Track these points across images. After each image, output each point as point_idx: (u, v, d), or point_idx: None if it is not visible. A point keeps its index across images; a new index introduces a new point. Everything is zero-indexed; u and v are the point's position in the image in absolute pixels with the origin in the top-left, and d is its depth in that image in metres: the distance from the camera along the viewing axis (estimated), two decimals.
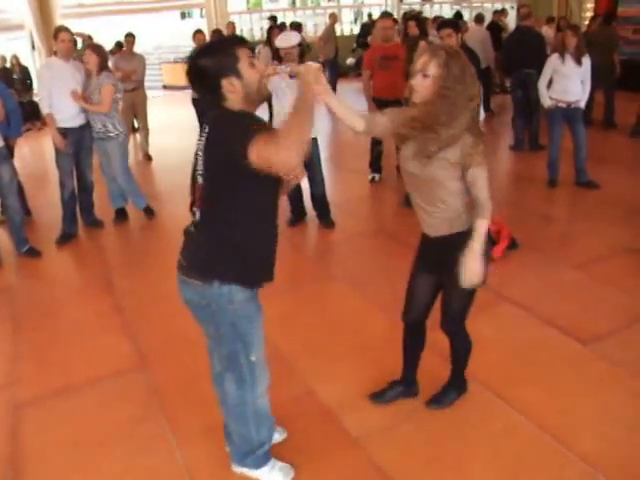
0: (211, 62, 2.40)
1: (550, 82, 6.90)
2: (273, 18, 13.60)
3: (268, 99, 6.22)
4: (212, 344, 2.84)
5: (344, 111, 2.94)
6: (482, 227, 2.83)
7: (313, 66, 2.59)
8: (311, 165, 6.02)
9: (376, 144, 7.55)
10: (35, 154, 10.92)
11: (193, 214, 2.59)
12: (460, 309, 3.18)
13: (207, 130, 2.43)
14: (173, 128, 11.65)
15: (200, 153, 2.46)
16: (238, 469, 3.02)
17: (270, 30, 9.32)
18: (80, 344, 4.40)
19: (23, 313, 4.92)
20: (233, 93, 2.42)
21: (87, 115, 6.21)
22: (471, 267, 2.84)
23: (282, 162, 2.23)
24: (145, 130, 9.67)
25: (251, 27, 21.29)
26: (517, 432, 3.26)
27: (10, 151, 6.08)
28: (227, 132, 2.34)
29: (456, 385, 3.50)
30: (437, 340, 3.40)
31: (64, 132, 6.06)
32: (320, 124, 6.37)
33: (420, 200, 2.97)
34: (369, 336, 4.25)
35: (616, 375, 3.70)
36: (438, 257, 3.06)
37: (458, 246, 2.85)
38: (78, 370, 4.07)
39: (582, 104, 6.85)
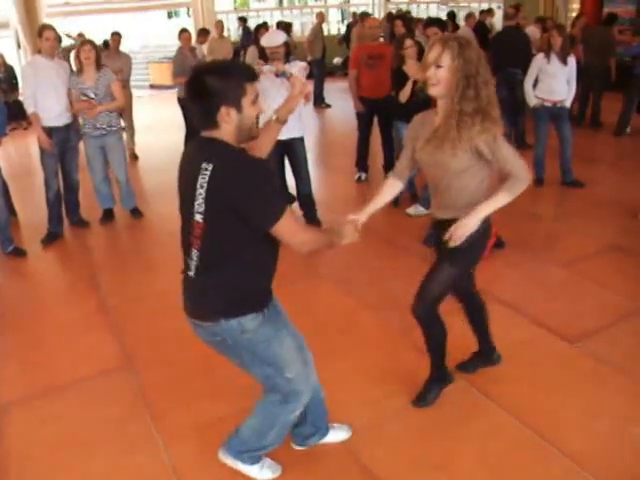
0: (219, 85, 2.33)
1: (536, 81, 6.93)
2: (243, 19, 13.49)
3: None
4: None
5: (380, 200, 3.19)
6: (501, 198, 2.88)
7: (350, 226, 2.75)
8: (297, 164, 6.01)
9: (363, 142, 7.55)
10: (20, 154, 10.85)
11: (189, 255, 2.51)
12: (435, 292, 3.13)
13: (213, 170, 2.31)
14: (159, 127, 11.60)
15: (201, 191, 2.34)
16: (227, 459, 2.97)
17: (257, 30, 9.33)
18: (66, 344, 4.38)
19: (8, 313, 4.88)
20: (227, 123, 2.36)
21: (72, 114, 6.19)
22: (465, 223, 2.83)
23: (296, 246, 2.43)
24: (131, 129, 9.62)
25: (238, 26, 21.26)
26: (503, 430, 3.27)
27: None
28: (251, 194, 2.29)
29: (438, 378, 3.46)
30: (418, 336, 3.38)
31: (49, 131, 6.01)
32: (306, 123, 6.37)
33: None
34: (357, 335, 4.25)
35: (602, 373, 3.71)
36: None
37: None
38: (64, 370, 4.04)
39: (568, 103, 6.89)
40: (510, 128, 8.94)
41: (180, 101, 8.79)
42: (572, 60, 6.71)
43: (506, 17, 9.06)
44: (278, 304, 2.77)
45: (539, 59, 6.87)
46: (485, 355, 3.68)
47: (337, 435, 3.20)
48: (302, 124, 6.02)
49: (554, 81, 6.78)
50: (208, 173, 2.31)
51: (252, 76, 2.44)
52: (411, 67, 6.10)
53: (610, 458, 3.05)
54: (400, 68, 6.13)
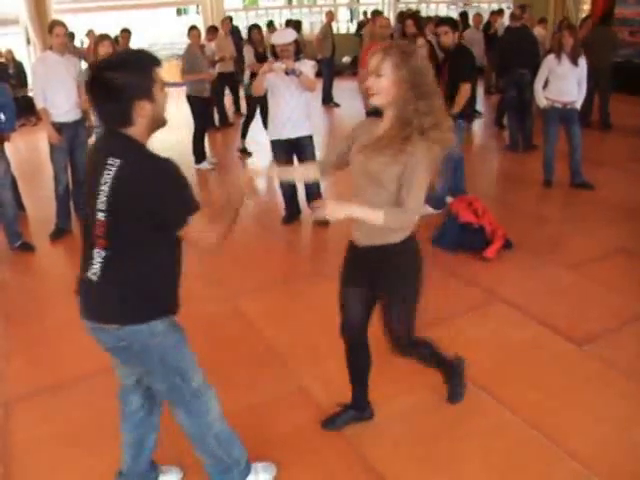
0: (127, 79, 2.18)
1: (546, 82, 6.91)
2: (229, 18, 13.42)
3: (263, 95, 6.24)
4: (138, 384, 2.72)
5: (288, 172, 3.12)
6: (376, 214, 2.57)
7: (247, 182, 2.63)
8: (306, 162, 6.02)
9: None
10: (29, 149, 10.87)
11: (90, 255, 2.34)
12: (404, 329, 2.98)
13: (119, 166, 2.19)
14: (168, 124, 11.47)
15: (105, 188, 2.20)
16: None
17: (250, 30, 9.37)
18: (71, 340, 4.36)
19: (15, 308, 4.90)
20: (143, 117, 2.24)
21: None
22: (334, 206, 2.53)
23: (205, 247, 2.33)
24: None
25: (247, 25, 21.25)
26: (508, 430, 3.27)
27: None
28: (160, 194, 2.19)
29: (451, 376, 3.39)
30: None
31: (59, 127, 6.03)
32: (315, 122, 6.38)
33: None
34: None
35: (608, 375, 3.70)
36: (369, 270, 2.88)
37: (393, 259, 2.76)
38: (68, 366, 4.05)
39: (578, 105, 6.86)
40: (517, 130, 8.94)
41: (189, 98, 8.80)
42: (583, 61, 6.68)
43: (513, 18, 9.03)
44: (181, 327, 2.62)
45: (550, 60, 6.84)
46: (358, 409, 3.33)
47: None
48: (311, 123, 6.03)
49: (564, 82, 6.76)
50: (114, 169, 2.19)
51: (156, 60, 2.31)
52: None
53: (615, 460, 3.04)
54: None
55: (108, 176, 2.19)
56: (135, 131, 2.26)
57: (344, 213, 2.55)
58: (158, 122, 2.35)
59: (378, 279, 2.87)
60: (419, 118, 2.56)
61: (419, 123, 2.56)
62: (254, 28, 9.46)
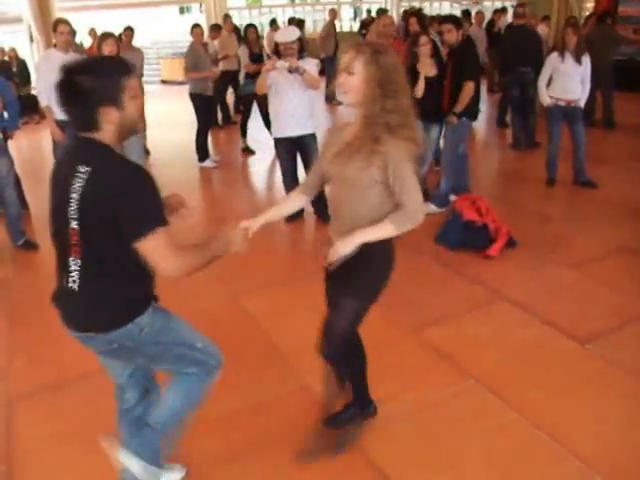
0: (94, 84, 2.15)
1: (549, 81, 6.89)
2: (229, 17, 13.39)
3: (258, 95, 6.24)
4: (132, 380, 2.72)
5: (278, 211, 3.01)
6: (385, 228, 2.58)
7: (240, 233, 2.63)
8: (309, 160, 6.01)
9: None
10: (33, 147, 10.89)
11: (66, 265, 2.34)
12: (340, 331, 2.88)
13: (90, 173, 2.17)
14: (170, 122, 11.59)
15: (75, 196, 2.18)
16: (132, 459, 2.64)
17: (246, 29, 9.38)
18: (73, 339, 4.37)
19: (18, 307, 4.90)
20: (109, 123, 2.21)
21: None
22: (339, 246, 2.56)
23: (162, 271, 2.22)
24: (142, 124, 9.64)
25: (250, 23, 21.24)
26: (512, 430, 3.26)
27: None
28: (124, 200, 2.14)
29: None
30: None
31: (62, 125, 6.04)
32: (319, 120, 6.37)
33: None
34: (365, 333, 4.23)
35: (611, 374, 3.70)
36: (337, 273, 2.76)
37: (361, 258, 2.62)
38: (70, 365, 4.03)
39: (582, 103, 6.84)
40: (520, 128, 8.93)
41: (192, 96, 8.81)
42: (586, 59, 6.66)
43: (516, 16, 9.00)
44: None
45: (553, 58, 6.82)
46: (360, 407, 3.25)
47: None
48: (314, 121, 6.02)
49: (568, 80, 6.73)
50: (84, 177, 2.17)
51: (128, 70, 2.29)
52: (423, 64, 6.09)
53: (618, 459, 3.04)
54: (414, 66, 6.12)
55: (79, 184, 2.18)
56: (103, 136, 2.24)
57: (354, 245, 2.55)
58: (127, 129, 2.30)
59: (340, 274, 2.76)
60: (385, 116, 2.53)
61: (385, 121, 2.53)
62: (249, 28, 9.45)
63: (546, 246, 5.56)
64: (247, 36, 9.23)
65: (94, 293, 2.33)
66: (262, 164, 9.05)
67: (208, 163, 8.83)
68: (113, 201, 2.13)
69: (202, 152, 8.83)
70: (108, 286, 2.32)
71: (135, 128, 2.35)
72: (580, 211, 6.51)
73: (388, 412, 3.40)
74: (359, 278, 2.75)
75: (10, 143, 5.97)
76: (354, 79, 2.55)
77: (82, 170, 2.17)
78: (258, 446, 3.17)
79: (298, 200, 3.03)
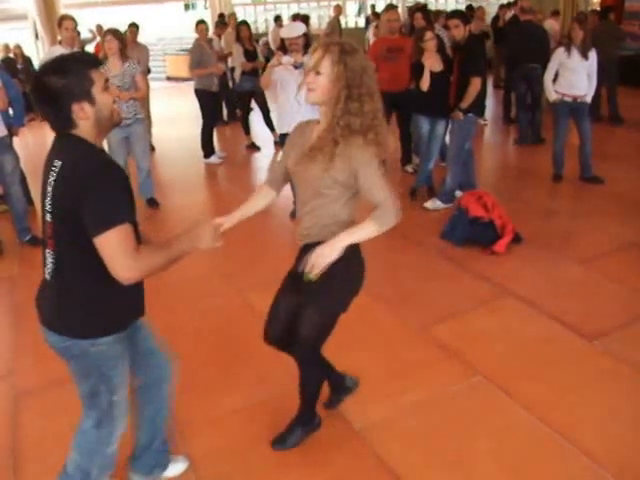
0: (62, 83, 2.13)
1: (556, 76, 6.86)
2: (221, 15, 13.39)
3: (256, 92, 6.23)
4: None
5: (250, 207, 2.93)
6: (367, 227, 2.54)
7: (210, 229, 2.47)
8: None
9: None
10: (38, 144, 10.89)
11: (45, 257, 2.34)
12: (311, 335, 2.82)
13: (61, 167, 2.18)
14: (176, 119, 11.62)
15: (49, 189, 2.21)
16: None
17: (238, 27, 9.36)
18: None
19: (24, 302, 4.89)
20: (84, 119, 2.19)
21: None
22: (321, 252, 2.49)
23: (115, 271, 2.12)
24: (148, 120, 9.64)
25: (255, 19, 21.25)
26: (520, 426, 3.24)
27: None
28: (86, 193, 2.10)
29: (303, 421, 3.16)
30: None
31: None
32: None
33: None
34: (373, 330, 4.23)
35: (620, 371, 3.67)
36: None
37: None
38: None
39: (588, 99, 6.80)
40: (527, 124, 8.90)
41: (197, 93, 8.80)
42: (593, 54, 6.63)
43: (522, 11, 8.96)
44: (142, 326, 2.65)
45: (559, 53, 6.78)
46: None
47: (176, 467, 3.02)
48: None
49: (574, 76, 6.70)
50: (57, 170, 2.19)
51: (94, 62, 2.28)
52: (428, 59, 6.07)
53: (627, 456, 3.02)
54: (420, 61, 6.11)
55: (52, 178, 2.20)
56: (81, 132, 2.22)
57: (336, 251, 2.49)
58: (105, 122, 2.28)
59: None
60: (347, 119, 2.51)
61: (346, 124, 2.51)
62: (242, 25, 9.41)
63: (553, 242, 5.53)
64: (240, 33, 9.19)
65: (63, 288, 2.33)
66: (267, 160, 9.04)
67: (213, 159, 8.83)
68: (77, 195, 2.11)
69: (207, 148, 8.83)
70: (75, 290, 2.31)
71: (114, 120, 2.32)
72: (587, 207, 6.48)
73: (396, 408, 3.40)
74: (330, 287, 2.68)
75: (15, 140, 5.97)
76: (321, 79, 2.53)
77: (56, 164, 2.20)
78: (263, 444, 3.16)
79: (266, 195, 2.99)
